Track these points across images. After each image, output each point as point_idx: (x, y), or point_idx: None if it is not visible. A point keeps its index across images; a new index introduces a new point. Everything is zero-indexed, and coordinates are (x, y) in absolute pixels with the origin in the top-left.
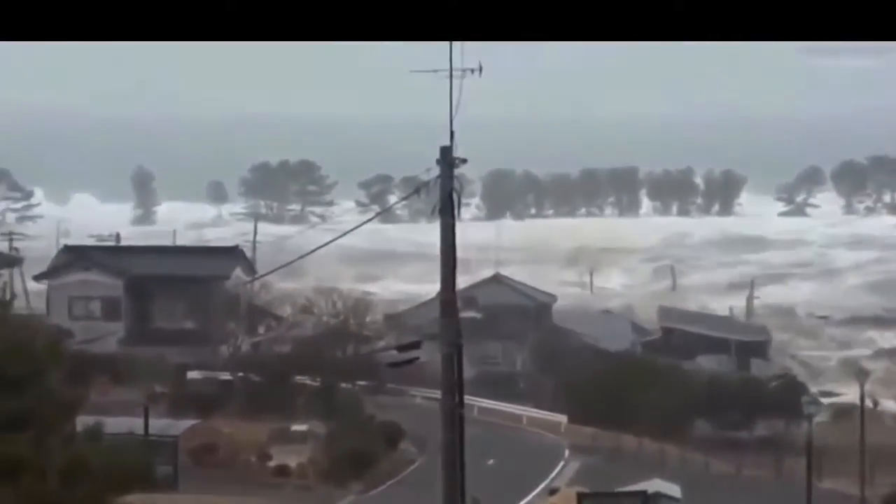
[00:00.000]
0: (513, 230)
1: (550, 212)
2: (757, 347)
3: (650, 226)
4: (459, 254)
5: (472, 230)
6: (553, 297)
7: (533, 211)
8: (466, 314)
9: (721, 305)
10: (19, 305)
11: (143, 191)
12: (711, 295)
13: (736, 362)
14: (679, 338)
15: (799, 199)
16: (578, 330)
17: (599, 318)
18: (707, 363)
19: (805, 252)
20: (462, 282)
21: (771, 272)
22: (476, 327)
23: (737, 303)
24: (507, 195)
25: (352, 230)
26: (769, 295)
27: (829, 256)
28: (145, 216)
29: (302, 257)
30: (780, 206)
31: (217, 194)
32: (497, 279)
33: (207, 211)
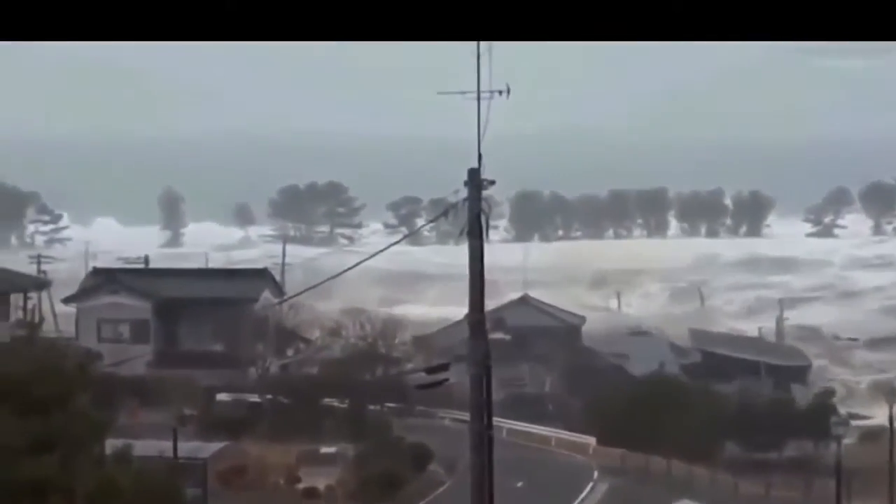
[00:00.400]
0: (540, 252)
1: (578, 233)
2: (797, 372)
3: (678, 247)
4: (487, 275)
5: (500, 252)
6: (582, 319)
7: (560, 232)
8: (495, 336)
9: (749, 327)
10: (48, 328)
11: (171, 213)
12: (739, 316)
13: (773, 386)
14: (720, 361)
15: (827, 220)
16: (617, 352)
17: (638, 340)
18: (747, 387)
19: (832, 273)
20: (490, 303)
21: (799, 294)
22: (504, 349)
23: (765, 324)
24: (535, 216)
25: (379, 252)
26: (797, 316)
27: (854, 278)
28: (173, 238)
29: (330, 279)
30: (808, 227)
31: (245, 216)
32: (525, 301)
33: (235, 233)
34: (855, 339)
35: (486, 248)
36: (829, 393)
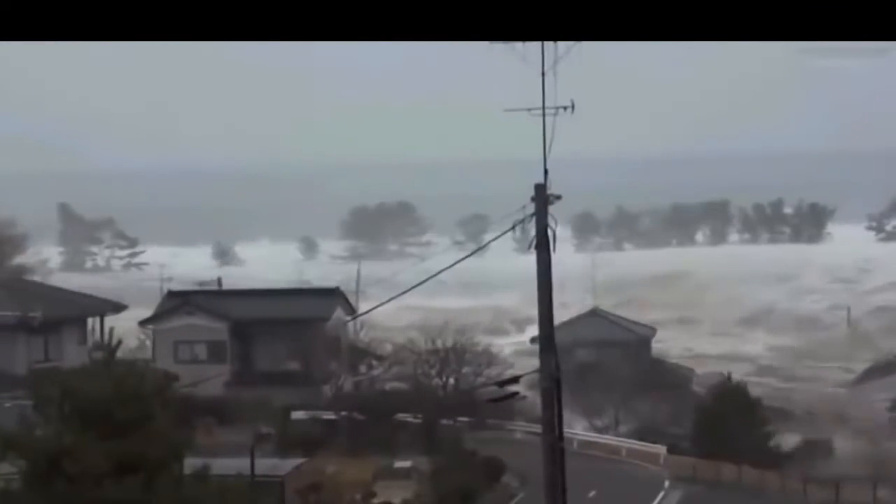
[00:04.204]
0: (607, 263)
1: (643, 242)
2: None
3: (740, 255)
4: (555, 288)
5: (568, 262)
6: (652, 330)
7: (626, 245)
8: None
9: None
10: (125, 349)
11: (244, 235)
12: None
13: None
14: None
15: (889, 227)
16: None
17: None
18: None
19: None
20: (559, 316)
21: (864, 299)
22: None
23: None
24: (600, 229)
25: (448, 267)
26: (859, 321)
27: None
28: (247, 260)
29: (400, 295)
30: (871, 235)
31: (316, 237)
32: (595, 313)
33: (308, 253)
34: None
35: (553, 260)
36: None
